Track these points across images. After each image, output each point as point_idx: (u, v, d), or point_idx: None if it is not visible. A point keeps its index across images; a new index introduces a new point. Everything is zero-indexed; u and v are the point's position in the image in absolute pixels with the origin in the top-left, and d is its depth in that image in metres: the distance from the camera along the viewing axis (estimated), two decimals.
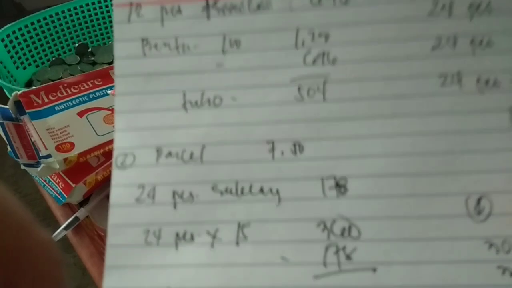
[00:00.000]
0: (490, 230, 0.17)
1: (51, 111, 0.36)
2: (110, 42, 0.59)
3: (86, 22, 0.58)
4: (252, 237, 0.18)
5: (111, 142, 0.36)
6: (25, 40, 0.53)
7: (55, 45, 0.56)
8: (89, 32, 0.58)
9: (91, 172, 0.37)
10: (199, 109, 0.20)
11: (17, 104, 0.36)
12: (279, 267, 0.18)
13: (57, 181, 0.38)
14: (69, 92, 0.38)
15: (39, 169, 0.34)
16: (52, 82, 0.39)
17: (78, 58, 0.56)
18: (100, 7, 0.58)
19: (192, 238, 0.18)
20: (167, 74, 0.20)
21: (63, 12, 0.56)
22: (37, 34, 0.54)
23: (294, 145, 0.19)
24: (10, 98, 0.36)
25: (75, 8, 0.56)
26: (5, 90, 0.45)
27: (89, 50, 0.58)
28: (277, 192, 0.19)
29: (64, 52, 0.57)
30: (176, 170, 0.19)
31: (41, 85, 0.38)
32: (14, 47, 0.52)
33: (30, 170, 0.37)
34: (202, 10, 0.20)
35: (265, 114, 0.19)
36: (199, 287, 0.18)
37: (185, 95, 0.20)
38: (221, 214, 0.19)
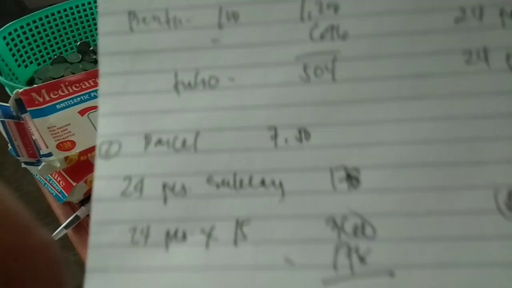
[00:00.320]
0: None
1: (52, 109, 0.36)
2: None
3: (88, 20, 0.57)
4: (252, 236, 0.16)
5: None
6: (26, 38, 0.53)
7: (56, 43, 0.56)
8: (91, 31, 0.58)
9: (92, 170, 0.37)
10: (192, 91, 0.18)
11: (18, 102, 0.36)
12: (283, 270, 0.15)
13: (58, 180, 0.38)
14: (71, 91, 0.38)
15: (40, 167, 0.34)
16: (54, 80, 0.39)
17: (80, 56, 0.56)
18: None
19: (184, 237, 0.16)
20: (157, 52, 0.18)
21: (65, 10, 0.55)
22: (38, 32, 0.54)
23: (300, 132, 0.17)
24: (11, 96, 0.36)
25: (77, 6, 0.56)
26: (6, 88, 0.44)
27: (91, 48, 0.57)
28: (280, 184, 0.16)
29: (66, 50, 0.58)
30: (166, 159, 0.17)
31: (43, 83, 0.38)
32: (15, 45, 0.52)
33: (31, 169, 0.37)
34: None
35: (266, 96, 0.17)
36: None
37: (177, 75, 0.18)
38: (217, 210, 0.16)
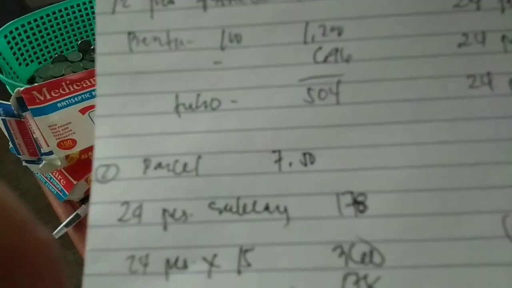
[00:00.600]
0: None
1: (53, 108, 0.37)
2: None
3: (89, 19, 0.58)
4: (257, 264, 0.15)
5: None
6: (27, 37, 0.53)
7: (57, 42, 0.56)
8: (91, 29, 0.58)
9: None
10: (194, 113, 0.17)
11: (19, 100, 0.36)
12: None
13: (58, 178, 0.38)
14: (71, 89, 0.39)
15: (40, 165, 0.34)
16: (55, 79, 0.39)
17: (81, 55, 0.56)
18: None
19: (185, 265, 0.16)
20: (157, 73, 0.18)
21: (65, 9, 0.56)
22: (39, 31, 0.54)
23: (304, 155, 0.16)
24: (13, 94, 0.36)
25: (78, 5, 0.56)
26: (7, 87, 0.44)
27: (92, 47, 0.57)
28: (285, 210, 0.16)
29: (67, 49, 0.57)
30: (166, 184, 0.17)
31: (44, 82, 0.38)
32: (16, 43, 0.52)
33: (32, 167, 0.37)
34: (198, 0, 0.18)
35: (270, 119, 0.17)
36: None
37: (178, 97, 0.17)
38: (219, 237, 0.16)
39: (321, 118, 0.17)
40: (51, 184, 0.39)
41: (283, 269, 0.15)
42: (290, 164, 0.16)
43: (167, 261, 0.16)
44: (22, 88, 0.36)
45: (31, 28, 0.53)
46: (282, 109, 0.17)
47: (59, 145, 0.35)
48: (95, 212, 0.16)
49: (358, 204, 0.16)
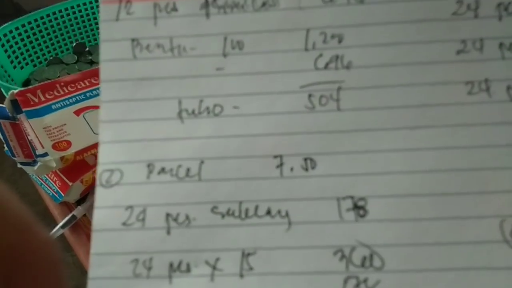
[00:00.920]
0: None
1: (48, 110, 0.37)
2: None
3: (83, 21, 0.58)
4: (259, 268, 0.16)
5: None
6: (22, 40, 0.53)
7: (52, 44, 0.56)
8: (86, 31, 0.58)
9: (88, 170, 0.37)
10: (196, 119, 0.17)
11: (14, 103, 0.36)
12: None
13: (54, 180, 0.38)
14: (66, 91, 0.39)
15: (36, 167, 0.34)
16: (49, 81, 0.39)
17: (76, 57, 0.56)
18: (98, 6, 0.59)
19: (188, 269, 0.16)
20: (161, 79, 0.18)
21: (60, 11, 0.55)
22: (34, 34, 0.54)
23: (305, 160, 0.17)
24: (7, 97, 0.36)
25: (72, 7, 0.56)
26: (2, 90, 0.44)
27: (87, 49, 0.58)
28: (287, 214, 0.16)
29: (62, 52, 0.57)
30: (170, 188, 0.17)
31: (38, 84, 0.38)
32: (11, 46, 0.52)
33: (27, 169, 0.37)
34: (201, 8, 0.18)
35: (271, 124, 0.17)
36: None
37: (181, 102, 0.18)
38: (222, 241, 0.16)
39: (322, 124, 0.17)
40: (47, 186, 0.39)
41: (284, 273, 0.16)
42: (292, 169, 0.17)
43: (171, 264, 0.16)
44: (16, 91, 0.36)
45: (26, 31, 0.53)
46: (284, 115, 0.17)
47: (54, 146, 0.35)
48: (99, 216, 0.17)
49: (359, 208, 0.16)
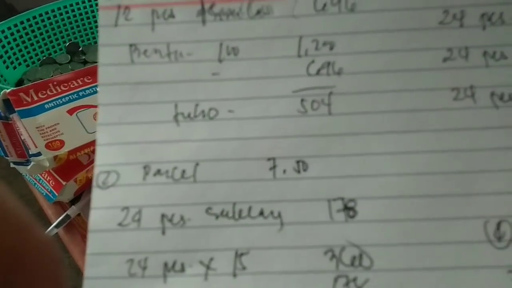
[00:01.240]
0: None
1: (41, 109, 0.36)
2: None
3: (76, 21, 0.57)
4: (252, 267, 0.16)
5: None
6: (14, 40, 0.53)
7: (45, 44, 0.56)
8: (79, 31, 0.58)
9: (82, 169, 0.37)
10: (192, 122, 0.18)
11: (6, 102, 0.36)
12: None
13: (47, 179, 0.38)
14: (59, 90, 0.38)
15: (29, 167, 0.34)
16: (42, 80, 0.39)
17: (69, 57, 0.56)
18: (91, 6, 0.57)
19: (182, 268, 0.16)
20: (157, 83, 0.18)
21: (53, 11, 0.55)
22: (27, 33, 0.54)
23: (298, 163, 0.17)
24: None
25: (65, 7, 0.56)
26: None
27: (80, 49, 0.57)
28: (279, 215, 0.17)
29: (55, 51, 0.57)
30: (165, 190, 0.17)
31: (31, 84, 0.38)
32: (3, 46, 0.51)
33: (20, 169, 0.37)
34: (197, 15, 0.19)
35: (265, 128, 0.18)
36: None
37: (177, 106, 0.18)
38: (216, 241, 0.17)
39: (313, 127, 0.18)
40: (40, 186, 0.39)
41: (277, 272, 0.16)
42: (284, 171, 0.17)
43: (165, 264, 0.16)
44: (9, 90, 0.36)
45: (18, 31, 0.52)
46: (277, 118, 0.18)
47: (47, 146, 0.34)
48: (96, 217, 0.17)
49: (349, 209, 0.17)
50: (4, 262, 0.11)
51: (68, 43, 0.57)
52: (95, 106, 0.38)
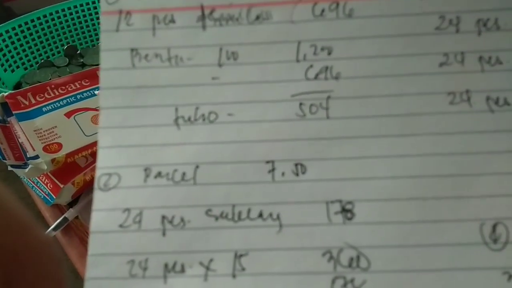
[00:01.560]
0: (508, 260, 0.16)
1: (39, 112, 0.36)
2: (99, 44, 0.60)
3: (74, 24, 0.57)
4: (251, 269, 0.16)
5: None
6: (12, 43, 0.53)
7: (43, 47, 0.56)
8: (77, 34, 0.58)
9: (79, 172, 0.37)
10: (192, 125, 0.18)
11: (4, 105, 0.36)
12: None
13: (45, 182, 0.38)
14: (57, 93, 0.38)
15: (26, 170, 0.34)
16: (39, 83, 0.39)
17: (67, 60, 0.56)
18: (89, 9, 0.58)
19: (182, 269, 0.17)
20: (158, 87, 0.19)
21: (51, 14, 0.55)
22: (25, 37, 0.54)
23: (296, 166, 0.18)
24: None
25: (63, 10, 0.56)
26: None
27: (78, 52, 0.57)
28: (278, 217, 0.17)
29: (53, 54, 0.57)
30: (166, 192, 0.17)
31: (29, 87, 0.38)
32: (1, 49, 0.52)
33: (18, 171, 0.37)
34: (197, 20, 0.19)
35: (264, 131, 0.18)
36: None
37: (178, 110, 0.18)
38: (215, 242, 0.17)
39: (312, 131, 0.18)
40: (38, 189, 0.39)
41: (275, 273, 0.16)
42: (283, 174, 0.17)
43: (166, 265, 0.17)
44: (7, 93, 0.36)
45: (16, 34, 0.52)
46: (276, 122, 0.18)
47: (45, 149, 0.34)
48: (97, 218, 0.17)
49: (346, 212, 0.17)
50: (5, 262, 0.11)
51: (66, 46, 0.57)
52: (93, 109, 0.38)
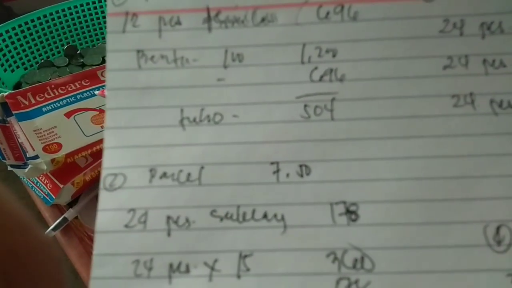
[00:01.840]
0: None
1: (38, 112, 0.36)
2: (99, 44, 0.59)
3: (74, 24, 0.58)
4: (255, 269, 0.16)
5: (99, 142, 0.36)
6: (12, 43, 0.53)
7: (43, 47, 0.56)
8: (78, 34, 0.58)
9: (79, 172, 0.37)
10: (197, 126, 0.18)
11: (4, 105, 0.36)
12: None
13: (45, 182, 0.37)
14: (57, 93, 0.38)
15: (26, 170, 0.34)
16: (39, 83, 0.39)
17: (67, 60, 0.56)
18: (89, 9, 0.58)
19: (187, 269, 0.17)
20: (164, 88, 0.19)
21: (51, 14, 0.55)
22: (25, 37, 0.54)
23: (301, 167, 0.18)
24: None
25: (63, 10, 0.56)
26: None
27: (78, 52, 0.57)
28: (282, 218, 0.17)
29: (53, 54, 0.57)
30: (171, 192, 0.18)
31: (28, 87, 0.38)
32: (1, 49, 0.52)
33: (18, 171, 0.37)
34: (203, 22, 0.19)
35: (269, 132, 0.18)
36: None
37: (183, 111, 0.19)
38: (220, 243, 0.17)
39: (316, 132, 0.18)
40: (38, 189, 0.39)
41: (280, 274, 0.16)
42: (288, 175, 0.17)
43: (170, 265, 0.17)
44: (7, 93, 0.36)
45: (16, 34, 0.52)
46: (280, 123, 0.18)
47: (45, 149, 0.34)
48: (103, 218, 0.17)
49: (351, 213, 0.17)
50: (5, 262, 0.11)
51: (66, 46, 0.57)
52: (93, 109, 0.38)
